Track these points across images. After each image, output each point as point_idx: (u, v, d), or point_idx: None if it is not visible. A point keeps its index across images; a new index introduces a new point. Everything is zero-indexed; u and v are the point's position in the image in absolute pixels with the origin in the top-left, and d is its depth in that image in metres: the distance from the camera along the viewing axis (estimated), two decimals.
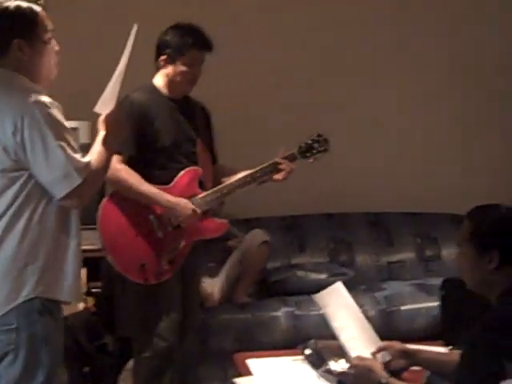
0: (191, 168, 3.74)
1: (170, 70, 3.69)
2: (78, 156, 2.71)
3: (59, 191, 2.67)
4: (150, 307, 3.64)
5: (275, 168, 3.83)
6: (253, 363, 3.49)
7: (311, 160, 3.94)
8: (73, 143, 2.73)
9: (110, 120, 2.85)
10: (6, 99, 2.70)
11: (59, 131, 2.67)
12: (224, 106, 4.85)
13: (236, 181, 3.81)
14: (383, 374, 2.73)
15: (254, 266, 4.69)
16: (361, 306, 4.53)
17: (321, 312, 3.27)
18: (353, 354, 3.00)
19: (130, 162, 3.59)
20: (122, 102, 3.50)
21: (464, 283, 3.76)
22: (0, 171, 2.70)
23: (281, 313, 4.48)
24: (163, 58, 3.68)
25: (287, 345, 4.30)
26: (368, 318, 4.50)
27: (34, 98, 2.66)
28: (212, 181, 3.88)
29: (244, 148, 4.98)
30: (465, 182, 5.62)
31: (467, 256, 2.58)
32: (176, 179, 3.71)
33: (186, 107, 3.81)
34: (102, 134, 2.86)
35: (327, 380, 3.21)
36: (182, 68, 3.67)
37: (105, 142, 2.82)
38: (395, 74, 5.59)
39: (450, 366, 2.87)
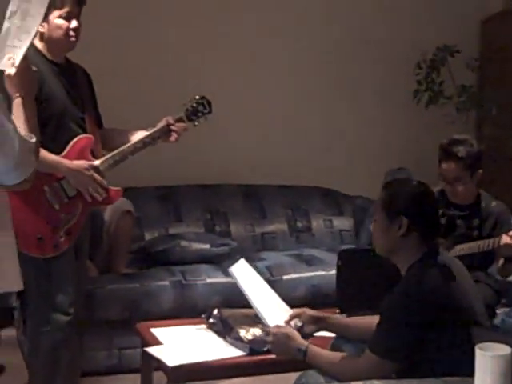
0: (83, 136, 3.63)
1: (44, 28, 3.51)
2: (27, 136, 2.48)
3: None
4: (48, 281, 3.56)
5: (168, 130, 3.84)
6: (158, 332, 3.54)
7: (196, 123, 3.98)
8: None
9: None
10: None
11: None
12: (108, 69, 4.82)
13: (137, 142, 3.76)
14: (301, 341, 2.87)
15: (120, 237, 4.66)
16: None
17: (238, 285, 3.33)
18: (269, 322, 3.12)
19: None
20: None
21: (358, 254, 4.01)
22: None
23: (168, 282, 4.51)
24: None
25: (175, 314, 4.37)
26: None
27: None
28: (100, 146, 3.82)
29: (125, 110, 4.95)
30: (331, 157, 5.83)
31: (379, 223, 2.80)
32: (68, 148, 3.58)
33: (68, 70, 3.67)
34: (17, 96, 2.68)
35: (237, 347, 3.32)
36: (57, 22, 3.51)
37: None
38: (274, 51, 5.70)
39: (355, 331, 3.10)
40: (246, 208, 5.38)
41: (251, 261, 4.89)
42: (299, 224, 5.47)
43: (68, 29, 3.54)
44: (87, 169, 3.59)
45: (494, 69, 5.82)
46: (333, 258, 4.96)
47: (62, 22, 3.52)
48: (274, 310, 3.27)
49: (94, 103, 3.83)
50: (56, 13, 3.50)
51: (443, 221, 3.96)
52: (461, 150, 3.88)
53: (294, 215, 5.48)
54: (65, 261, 3.58)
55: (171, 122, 3.83)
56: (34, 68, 2.56)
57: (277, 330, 2.95)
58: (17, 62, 2.45)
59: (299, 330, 3.08)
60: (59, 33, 3.53)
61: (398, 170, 5.71)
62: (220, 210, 5.32)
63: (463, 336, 2.58)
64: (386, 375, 2.60)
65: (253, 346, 3.26)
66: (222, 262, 4.79)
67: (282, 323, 3.12)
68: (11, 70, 2.45)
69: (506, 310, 3.95)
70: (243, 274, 3.45)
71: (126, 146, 3.75)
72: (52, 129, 3.53)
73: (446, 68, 5.61)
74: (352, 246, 5.24)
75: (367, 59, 5.87)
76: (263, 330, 3.22)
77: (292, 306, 4.01)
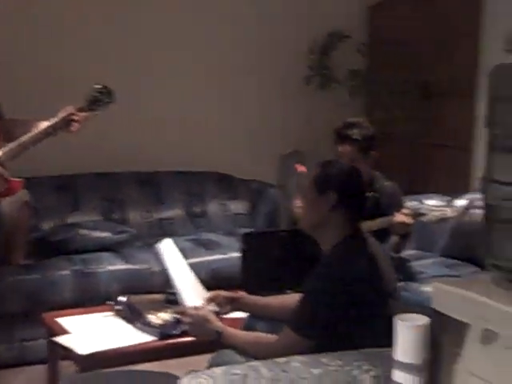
0: None
1: None
2: None
3: None
4: None
5: (70, 119, 3.81)
6: (64, 321, 3.52)
7: (97, 112, 3.96)
8: None
9: None
10: None
11: None
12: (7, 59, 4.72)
13: (38, 133, 3.72)
14: (218, 323, 2.93)
15: (18, 227, 4.59)
16: (146, 261, 4.71)
17: (163, 262, 3.35)
18: (188, 303, 3.15)
19: None
20: None
21: (262, 236, 4.08)
22: None
23: (69, 271, 4.47)
24: None
25: (77, 303, 4.34)
26: (153, 272, 4.70)
27: None
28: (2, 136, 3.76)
29: (25, 100, 4.86)
30: (227, 143, 5.89)
31: (308, 199, 2.88)
32: None
33: None
34: None
35: (147, 332, 3.35)
36: None
37: None
38: (173, 37, 5.70)
39: (269, 310, 3.19)
40: (142, 195, 5.38)
41: (152, 247, 4.95)
42: (196, 209, 5.51)
43: None
44: None
45: (382, 53, 5.99)
46: (230, 242, 5.08)
47: None
48: (192, 292, 3.31)
49: None
50: None
51: None
52: (355, 133, 4.00)
53: (190, 200, 5.51)
54: None
55: (72, 111, 3.79)
56: None
57: (194, 312, 3.01)
58: None
59: (216, 312, 3.13)
60: None
61: (293, 153, 5.83)
62: (117, 198, 5.30)
63: (382, 310, 2.69)
64: (303, 352, 2.68)
65: (163, 331, 3.29)
66: (121, 249, 4.79)
67: (199, 305, 3.17)
68: None
69: (401, 284, 4.12)
70: (168, 252, 3.48)
71: (28, 136, 3.70)
72: None
73: (338, 53, 5.74)
74: (253, 230, 5.31)
75: (263, 44, 5.94)
76: (178, 312, 3.24)
77: None
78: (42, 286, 4.38)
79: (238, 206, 5.63)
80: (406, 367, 2.20)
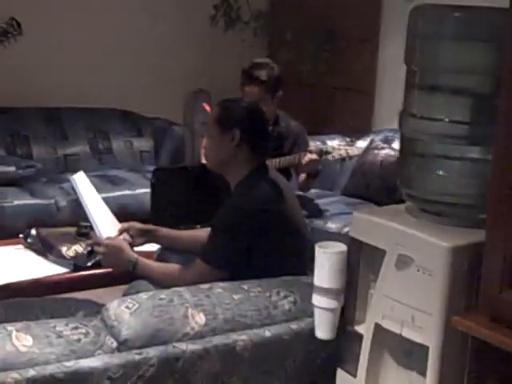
0: None
1: None
2: None
3: None
4: None
5: None
6: None
7: (6, 44, 3.87)
8: None
9: None
10: None
11: None
12: None
13: None
14: (132, 254, 2.97)
15: None
16: (52, 196, 4.69)
17: (77, 193, 3.33)
18: (103, 234, 3.17)
19: None
20: None
21: (172, 172, 4.13)
22: None
23: None
24: None
25: None
26: (59, 207, 4.68)
27: None
28: None
29: None
30: (131, 80, 5.85)
31: (212, 138, 2.93)
32: None
33: None
34: None
35: (61, 265, 3.36)
36: None
37: None
38: None
39: (182, 242, 3.26)
40: (47, 131, 5.31)
41: (57, 182, 4.93)
42: (100, 146, 5.48)
43: None
44: None
45: None
46: (137, 178, 5.11)
47: None
48: (107, 223, 3.32)
49: None
50: None
51: None
52: (262, 74, 4.06)
53: (95, 137, 5.48)
54: None
55: None
56: None
57: (108, 242, 3.02)
58: None
59: (129, 244, 3.17)
60: None
61: (199, 92, 5.87)
62: (21, 133, 5.21)
63: (293, 240, 2.80)
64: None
65: (76, 262, 3.31)
66: (26, 184, 4.75)
67: (113, 235, 3.19)
68: None
69: (307, 221, 4.25)
70: (82, 184, 3.46)
71: None
72: None
73: None
74: (163, 165, 5.34)
75: None
76: (92, 243, 3.25)
77: None
78: None
79: (142, 143, 5.63)
80: (325, 291, 2.32)
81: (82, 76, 5.62)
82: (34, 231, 3.58)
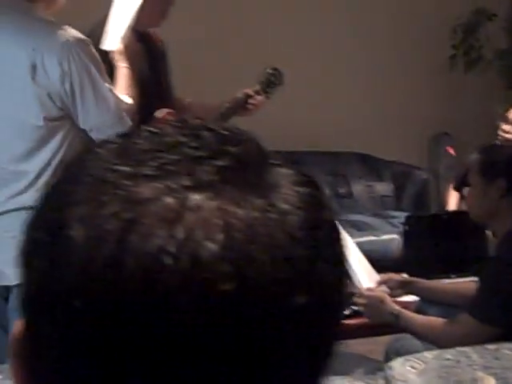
0: (166, 110, 3.42)
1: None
2: (123, 97, 2.62)
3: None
4: None
5: (246, 102, 3.70)
6: None
7: (270, 96, 3.89)
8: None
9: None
10: (36, 34, 2.46)
11: (103, 72, 2.54)
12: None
13: (215, 119, 3.67)
14: (393, 306, 2.92)
15: None
16: None
17: None
18: (364, 284, 3.15)
19: None
20: (95, 34, 3.15)
21: (424, 220, 4.05)
22: (42, 119, 2.49)
23: None
24: None
25: None
26: None
27: (72, 35, 2.46)
28: None
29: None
30: (370, 123, 5.83)
31: (476, 188, 2.84)
32: (152, 121, 3.54)
33: (148, 40, 3.47)
34: (122, 67, 2.75)
35: None
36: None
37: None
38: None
39: (442, 295, 3.17)
40: None
41: None
42: (341, 190, 5.50)
43: (170, 3, 3.39)
44: None
45: None
46: (380, 224, 5.06)
47: None
48: (364, 273, 3.30)
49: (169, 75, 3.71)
50: None
51: None
52: None
53: (335, 181, 5.51)
54: None
55: (251, 93, 3.71)
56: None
57: (370, 293, 3.00)
58: (120, 38, 2.51)
59: (388, 294, 3.12)
60: (160, 5, 3.36)
61: (442, 136, 5.77)
62: None
63: None
64: (487, 340, 2.66)
65: None
66: None
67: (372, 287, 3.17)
68: (116, 46, 2.50)
69: None
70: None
71: (210, 119, 3.67)
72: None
73: (482, 32, 5.61)
74: (414, 213, 5.26)
75: (403, 27, 5.87)
76: (353, 293, 3.23)
77: None
78: None
79: (383, 188, 5.59)
80: None
81: (321, 120, 5.67)
82: None
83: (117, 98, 2.58)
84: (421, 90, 5.91)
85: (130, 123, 2.56)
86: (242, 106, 3.72)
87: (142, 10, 3.28)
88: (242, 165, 0.56)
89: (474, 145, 5.46)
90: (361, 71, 5.85)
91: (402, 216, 5.15)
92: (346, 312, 3.27)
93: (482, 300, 2.71)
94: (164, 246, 0.52)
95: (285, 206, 0.56)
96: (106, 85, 2.54)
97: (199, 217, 0.53)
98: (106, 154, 0.57)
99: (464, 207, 4.31)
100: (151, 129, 0.59)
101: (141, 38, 3.41)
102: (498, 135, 4.11)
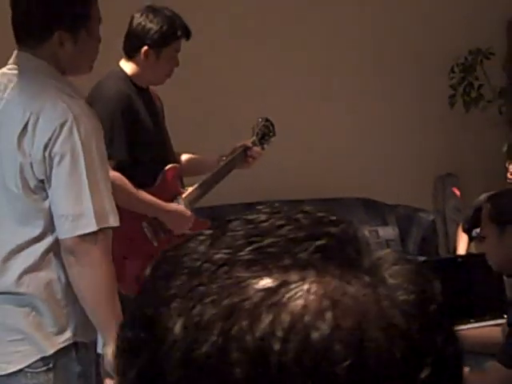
0: (172, 165, 3.43)
1: (151, 60, 3.30)
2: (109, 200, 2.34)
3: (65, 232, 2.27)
4: None
5: (245, 155, 3.66)
6: None
7: (265, 147, 3.84)
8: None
9: None
10: (40, 99, 2.31)
11: (96, 152, 2.32)
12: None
13: (216, 173, 3.60)
14: None
15: None
16: None
17: None
18: None
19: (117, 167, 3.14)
20: (101, 91, 3.23)
21: (440, 264, 3.95)
22: (24, 192, 2.30)
23: None
24: (145, 49, 3.27)
25: None
26: None
27: (77, 105, 2.33)
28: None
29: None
30: (369, 167, 5.76)
31: (490, 236, 2.75)
32: (161, 177, 3.37)
33: (149, 97, 3.46)
34: None
35: None
36: (166, 60, 3.32)
37: None
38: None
39: (467, 342, 3.05)
40: None
41: None
42: None
43: (172, 67, 3.39)
44: (186, 214, 3.40)
45: None
46: None
47: (168, 60, 3.34)
48: None
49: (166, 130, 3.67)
50: (167, 50, 3.33)
51: None
52: None
53: None
54: None
55: (249, 145, 3.65)
56: None
57: None
58: None
59: None
60: (168, 65, 3.37)
61: (446, 176, 5.68)
62: None
63: None
64: None
65: None
66: None
67: None
68: None
69: None
70: None
71: (210, 174, 3.58)
72: (147, 159, 3.35)
73: (480, 71, 5.56)
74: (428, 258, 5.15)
75: (400, 68, 5.83)
76: None
77: None
78: None
79: (388, 232, 5.47)
80: None
81: (321, 167, 5.59)
82: None
83: (97, 192, 2.30)
84: (422, 132, 5.84)
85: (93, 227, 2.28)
86: (240, 159, 3.66)
87: (155, 70, 3.33)
88: (341, 244, 0.56)
89: (480, 184, 5.43)
90: (360, 115, 5.77)
91: None
92: None
93: (509, 347, 2.60)
94: (270, 331, 0.51)
95: (393, 281, 0.55)
96: (96, 172, 2.32)
97: (304, 297, 0.52)
98: (199, 246, 0.57)
99: (473, 249, 4.25)
100: (243, 217, 0.59)
101: (141, 93, 3.39)
102: (508, 178, 4.03)
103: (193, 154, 3.73)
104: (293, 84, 5.55)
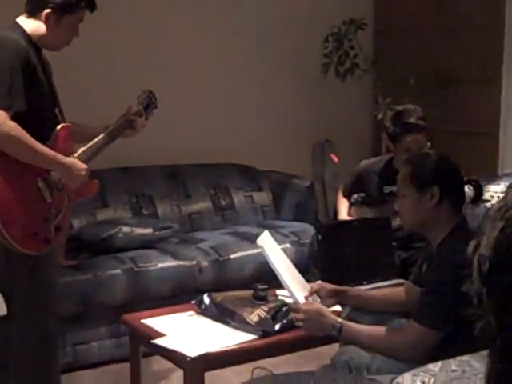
0: (65, 124, 3.37)
1: (51, 24, 3.24)
2: None
3: None
4: (40, 280, 3.28)
5: (129, 124, 3.67)
6: (151, 323, 3.37)
7: (150, 116, 3.83)
8: None
9: None
10: None
11: None
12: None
13: (104, 137, 3.56)
14: (335, 318, 2.83)
15: None
16: (193, 258, 4.58)
17: (266, 258, 3.22)
18: (299, 298, 3.05)
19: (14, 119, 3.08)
20: (0, 43, 3.15)
21: (335, 228, 4.02)
22: None
23: (120, 270, 4.30)
24: (47, 11, 3.21)
25: (128, 303, 4.22)
26: (202, 268, 4.58)
27: None
28: None
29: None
30: (245, 134, 5.78)
31: (409, 197, 2.81)
32: (54, 135, 3.30)
33: (43, 58, 3.38)
34: None
35: (246, 331, 3.22)
36: (67, 27, 3.28)
37: None
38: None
39: (375, 302, 3.13)
40: (170, 189, 5.22)
41: (192, 243, 4.81)
42: (222, 202, 5.38)
43: (71, 35, 3.34)
44: (82, 168, 3.36)
45: (394, 41, 5.95)
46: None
47: (69, 28, 3.30)
48: (297, 286, 3.20)
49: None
50: (69, 18, 3.28)
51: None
52: (422, 120, 3.96)
53: (216, 193, 5.38)
54: (53, 257, 3.33)
55: (133, 118, 3.67)
56: None
57: (308, 307, 2.88)
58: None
59: None
60: (61, 37, 3.32)
61: (323, 143, 5.77)
62: (145, 193, 5.13)
63: None
64: (433, 344, 2.63)
65: (264, 328, 3.19)
66: (162, 246, 4.66)
67: (310, 299, 3.07)
68: None
69: None
70: (269, 246, 3.34)
71: (100, 137, 3.54)
72: (43, 115, 3.29)
73: (355, 41, 5.66)
74: (324, 221, 5.24)
75: (275, 38, 5.85)
76: (291, 309, 3.11)
77: (242, 285, 3.98)
78: (94, 287, 4.21)
79: (262, 198, 5.52)
80: None
81: (198, 133, 5.56)
82: (207, 297, 3.46)
83: None
84: (297, 100, 5.93)
85: None
86: (129, 124, 3.66)
87: (54, 34, 3.28)
88: None
89: (355, 151, 5.57)
90: (235, 83, 5.76)
91: (286, 226, 5.12)
92: (276, 328, 3.18)
93: (425, 305, 2.68)
94: None
95: None
96: None
97: None
98: None
99: (354, 214, 4.35)
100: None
101: (37, 52, 3.31)
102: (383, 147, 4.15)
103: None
104: (172, 55, 5.49)
